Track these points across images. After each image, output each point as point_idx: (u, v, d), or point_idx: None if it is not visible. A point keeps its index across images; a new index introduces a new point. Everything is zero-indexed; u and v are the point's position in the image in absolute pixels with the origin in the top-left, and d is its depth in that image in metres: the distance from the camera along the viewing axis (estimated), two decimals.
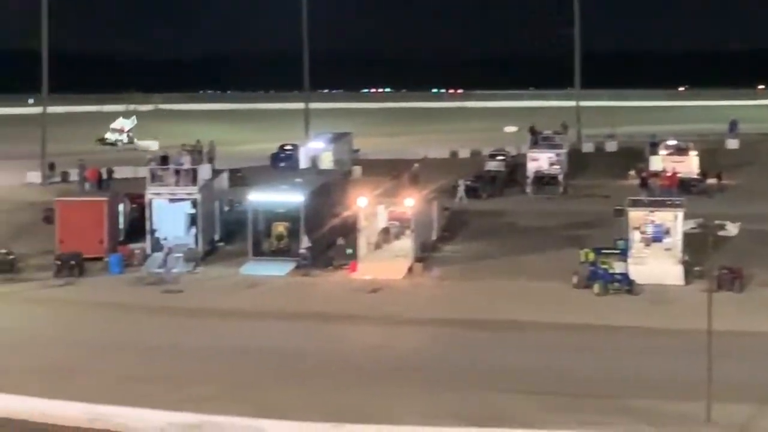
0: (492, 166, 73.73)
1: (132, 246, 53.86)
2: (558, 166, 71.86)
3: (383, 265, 50.81)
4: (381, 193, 55.72)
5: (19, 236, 57.55)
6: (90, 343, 40.25)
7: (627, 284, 46.53)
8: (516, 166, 75.35)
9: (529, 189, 70.73)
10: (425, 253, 52.92)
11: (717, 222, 50.65)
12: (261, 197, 53.79)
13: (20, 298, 47.55)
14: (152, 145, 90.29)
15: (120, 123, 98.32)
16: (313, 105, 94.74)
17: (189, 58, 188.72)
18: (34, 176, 76.60)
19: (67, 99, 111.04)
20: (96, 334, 41.71)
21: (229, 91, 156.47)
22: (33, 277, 50.70)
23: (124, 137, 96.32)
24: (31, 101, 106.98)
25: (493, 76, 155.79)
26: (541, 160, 72.15)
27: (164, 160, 56.23)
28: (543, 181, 70.91)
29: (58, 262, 50.92)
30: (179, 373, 36.20)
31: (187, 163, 55.23)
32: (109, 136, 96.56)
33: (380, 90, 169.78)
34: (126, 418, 30.49)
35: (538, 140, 75.33)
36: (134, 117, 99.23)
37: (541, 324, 42.12)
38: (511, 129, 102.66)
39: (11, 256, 51.48)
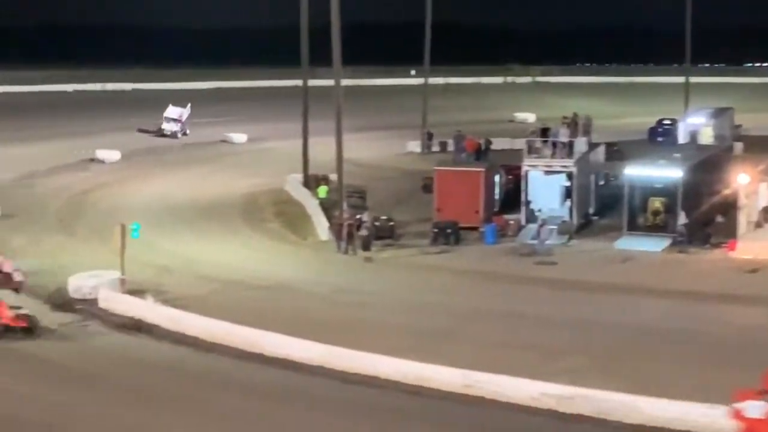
0: None
1: (507, 217, 54.40)
2: None
3: (764, 244, 49.03)
4: (764, 171, 53.71)
5: (399, 203, 59.46)
6: (463, 310, 41.02)
7: None
8: None
9: None
10: None
11: None
12: (638, 172, 53.05)
13: (399, 264, 49.04)
14: (529, 117, 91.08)
15: (175, 111, 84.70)
16: (694, 79, 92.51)
17: (566, 30, 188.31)
18: (414, 146, 78.90)
19: (447, 70, 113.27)
20: (470, 301, 42.45)
21: (606, 64, 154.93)
22: (411, 244, 52.17)
23: (178, 127, 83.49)
24: (413, 72, 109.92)
25: None
26: None
27: (545, 132, 56.45)
28: None
29: (435, 230, 52.15)
30: (550, 343, 36.31)
31: (564, 136, 55.23)
32: (165, 126, 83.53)
33: (765, 64, 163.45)
34: (500, 386, 30.79)
35: None
36: (189, 104, 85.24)
37: None
38: None
39: (391, 223, 53.16)
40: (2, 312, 36.22)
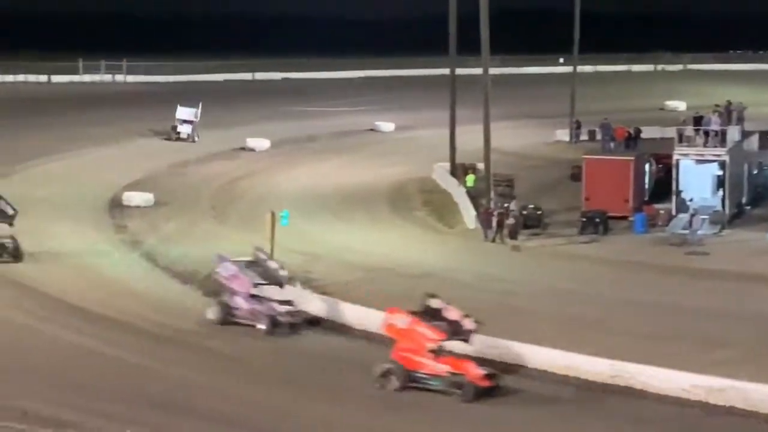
0: None
1: (657, 206, 53.66)
2: None
3: None
4: None
5: (547, 192, 59.09)
6: (613, 300, 40.66)
7: None
8: None
9: None
10: None
11: None
12: None
13: (546, 252, 48.78)
14: (680, 105, 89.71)
15: (187, 112, 76.49)
16: None
17: (719, 18, 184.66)
18: (563, 134, 78.35)
19: (596, 58, 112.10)
20: (619, 291, 42.04)
21: (761, 51, 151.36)
22: (559, 233, 51.80)
23: (190, 129, 75.46)
24: (561, 61, 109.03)
25: None
26: None
27: (697, 121, 55.47)
28: None
29: (584, 219, 51.72)
30: (701, 334, 35.81)
31: (716, 124, 54.23)
32: (181, 128, 75.80)
33: None
34: (649, 377, 30.50)
35: None
36: (200, 104, 77.15)
37: None
38: None
39: (539, 212, 52.85)
40: (469, 370, 30.96)
